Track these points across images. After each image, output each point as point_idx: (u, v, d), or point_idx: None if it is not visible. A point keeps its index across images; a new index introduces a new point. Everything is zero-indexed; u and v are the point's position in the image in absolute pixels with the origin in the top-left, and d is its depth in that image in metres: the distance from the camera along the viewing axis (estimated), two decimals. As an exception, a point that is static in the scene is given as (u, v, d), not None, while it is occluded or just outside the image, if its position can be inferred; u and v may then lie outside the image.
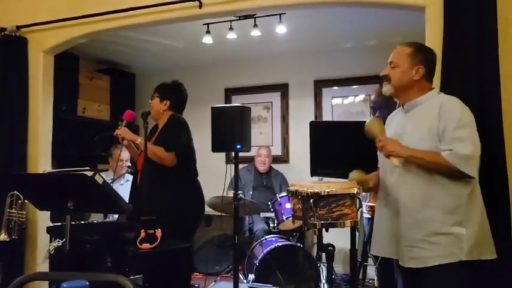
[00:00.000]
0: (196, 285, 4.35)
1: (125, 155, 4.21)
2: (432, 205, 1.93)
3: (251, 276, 3.72)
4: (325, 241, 2.28)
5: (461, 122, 1.91)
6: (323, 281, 3.85)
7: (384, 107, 3.24)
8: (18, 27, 3.54)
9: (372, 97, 3.34)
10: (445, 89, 2.29)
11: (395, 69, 2.09)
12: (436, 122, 1.94)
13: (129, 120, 3.02)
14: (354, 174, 2.15)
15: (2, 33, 3.56)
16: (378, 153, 2.27)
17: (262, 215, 4.54)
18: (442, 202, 1.92)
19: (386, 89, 2.13)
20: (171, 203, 2.83)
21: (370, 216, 3.10)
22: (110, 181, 3.95)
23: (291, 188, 2.19)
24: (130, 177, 4.01)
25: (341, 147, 2.58)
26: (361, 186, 2.09)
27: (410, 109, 2.10)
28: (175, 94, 3.14)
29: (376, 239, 2.23)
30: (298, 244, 4.05)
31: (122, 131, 2.97)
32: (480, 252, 1.92)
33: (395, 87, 2.10)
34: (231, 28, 4.16)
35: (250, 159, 4.96)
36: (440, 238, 1.91)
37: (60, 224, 3.04)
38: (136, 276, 2.89)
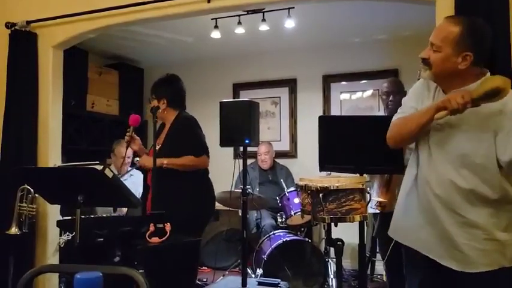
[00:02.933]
0: (205, 280, 4.38)
1: (129, 152, 4.27)
2: (480, 208, 1.76)
3: (259, 271, 3.73)
4: (332, 236, 2.28)
5: None
6: (331, 276, 3.85)
7: (396, 92, 3.24)
8: (28, 22, 3.55)
9: (385, 84, 3.33)
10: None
11: (437, 54, 1.77)
12: (497, 118, 1.70)
13: (136, 125, 2.99)
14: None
15: (12, 28, 3.57)
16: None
17: (269, 211, 4.54)
18: (490, 206, 1.75)
19: (426, 75, 1.84)
20: (181, 199, 2.84)
21: (378, 212, 3.09)
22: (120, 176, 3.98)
23: (300, 183, 2.19)
24: (134, 172, 4.03)
25: (350, 142, 2.58)
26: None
27: None
28: (169, 90, 3.11)
29: (408, 229, 1.98)
30: (307, 239, 4.05)
31: (144, 161, 2.92)
32: None
33: (436, 75, 1.81)
34: (239, 23, 4.16)
35: (254, 155, 4.93)
36: (486, 244, 1.75)
37: (70, 217, 3.07)
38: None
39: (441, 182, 1.82)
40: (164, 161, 2.80)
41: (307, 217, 2.23)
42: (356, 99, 5.15)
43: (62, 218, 3.42)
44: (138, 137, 3.05)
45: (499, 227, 1.75)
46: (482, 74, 1.80)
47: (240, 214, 3.12)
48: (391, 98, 3.23)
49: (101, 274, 0.88)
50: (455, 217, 1.80)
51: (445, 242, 1.83)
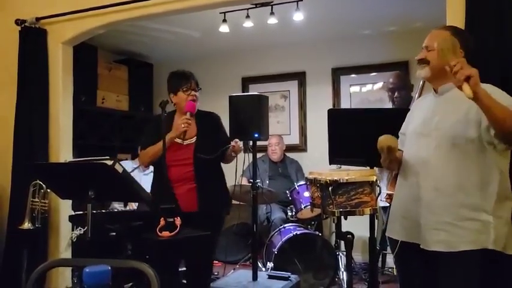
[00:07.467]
0: (216, 273, 4.40)
1: None
2: (465, 189, 1.86)
3: (270, 265, 3.74)
4: (343, 229, 2.27)
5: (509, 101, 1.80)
6: (341, 269, 3.85)
7: (402, 88, 3.21)
8: (38, 19, 3.58)
9: (390, 80, 3.30)
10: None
11: (433, 52, 1.98)
12: (476, 106, 1.79)
13: (193, 112, 2.81)
14: (386, 139, 1.97)
15: (22, 25, 3.60)
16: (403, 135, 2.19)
17: (279, 204, 4.54)
18: (476, 188, 1.85)
19: (423, 72, 2.03)
20: (222, 194, 2.91)
21: (388, 204, 3.07)
22: (135, 169, 3.96)
23: (310, 176, 2.19)
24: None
25: (360, 135, 2.55)
26: (389, 153, 1.98)
27: (444, 92, 2.01)
28: None
29: (395, 221, 2.12)
30: (317, 232, 4.05)
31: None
32: (505, 245, 1.85)
33: (433, 69, 1.99)
34: (247, 16, 4.14)
35: (264, 149, 4.94)
36: (469, 223, 1.84)
37: (81, 212, 3.10)
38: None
39: (429, 165, 1.93)
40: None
41: (317, 210, 2.22)
42: (366, 92, 5.11)
43: (74, 213, 3.46)
44: None
45: (485, 209, 1.83)
46: None
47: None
48: (396, 95, 3.21)
49: (109, 267, 0.89)
50: (441, 198, 1.89)
51: (430, 224, 1.90)
